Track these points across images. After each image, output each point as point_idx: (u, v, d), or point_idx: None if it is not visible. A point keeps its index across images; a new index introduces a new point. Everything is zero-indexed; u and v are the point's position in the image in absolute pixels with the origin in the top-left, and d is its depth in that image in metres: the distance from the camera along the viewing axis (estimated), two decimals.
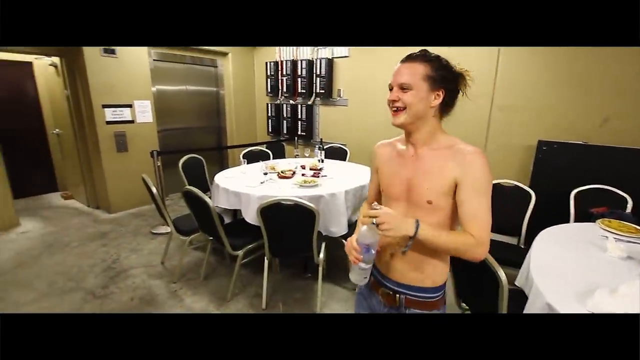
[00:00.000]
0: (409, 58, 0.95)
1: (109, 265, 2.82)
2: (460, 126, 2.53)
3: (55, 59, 3.84)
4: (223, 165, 5.39)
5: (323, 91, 4.44)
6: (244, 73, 5.28)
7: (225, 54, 5.02)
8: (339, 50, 4.32)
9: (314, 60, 4.47)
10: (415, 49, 0.96)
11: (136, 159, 4.04)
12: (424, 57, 0.95)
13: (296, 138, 4.88)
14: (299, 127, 4.81)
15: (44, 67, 4.20)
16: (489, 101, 3.31)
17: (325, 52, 4.44)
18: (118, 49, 3.73)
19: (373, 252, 0.97)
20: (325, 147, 3.72)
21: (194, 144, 4.92)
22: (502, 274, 1.22)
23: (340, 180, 2.71)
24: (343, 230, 2.38)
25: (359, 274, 1.01)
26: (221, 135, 5.39)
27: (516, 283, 1.53)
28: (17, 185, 3.74)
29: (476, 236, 0.89)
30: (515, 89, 3.17)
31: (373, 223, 0.92)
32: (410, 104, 0.94)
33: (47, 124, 4.66)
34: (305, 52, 4.62)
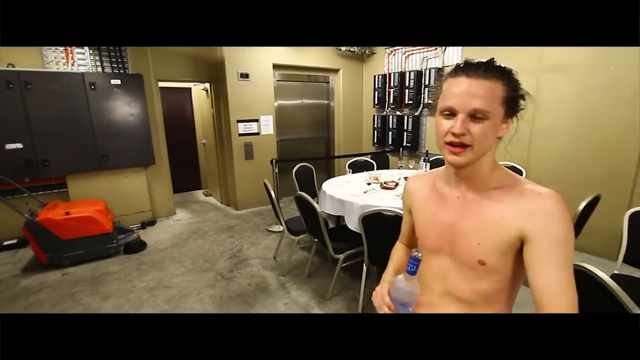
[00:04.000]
0: (482, 70, 0.67)
1: (234, 254, 3.38)
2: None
3: (207, 85, 4.82)
4: (330, 173, 5.76)
5: (431, 102, 4.33)
6: (352, 86, 5.56)
7: (336, 70, 5.39)
8: (451, 58, 4.16)
9: (423, 71, 4.41)
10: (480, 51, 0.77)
11: (259, 165, 4.70)
12: (501, 70, 0.69)
13: (401, 149, 4.87)
14: (405, 138, 4.78)
15: (199, 91, 5.32)
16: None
17: (435, 61, 4.33)
18: (251, 73, 4.45)
19: (411, 310, 0.75)
20: (430, 158, 3.63)
21: (306, 153, 5.41)
22: None
23: None
24: None
25: None
26: (329, 145, 5.77)
27: None
28: (175, 183, 4.82)
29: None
30: None
31: (411, 270, 0.72)
32: (482, 140, 0.68)
33: (197, 136, 5.86)
34: (414, 64, 4.60)
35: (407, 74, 4.56)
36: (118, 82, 3.75)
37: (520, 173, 3.28)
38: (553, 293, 0.64)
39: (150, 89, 4.10)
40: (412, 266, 0.73)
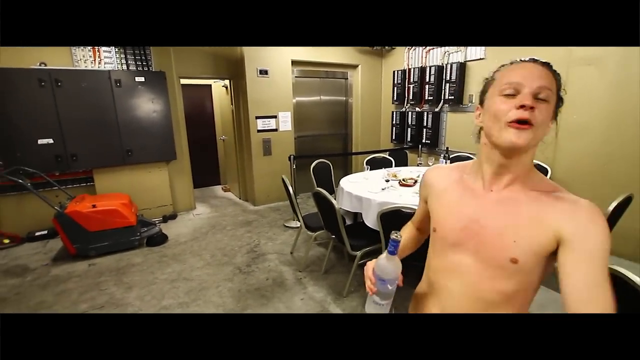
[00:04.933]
0: (539, 62, 0.69)
1: (252, 248, 3.43)
2: None
3: (226, 82, 4.89)
4: (347, 170, 5.74)
5: (452, 97, 4.23)
6: (371, 82, 5.50)
7: (355, 66, 5.35)
8: (473, 53, 4.04)
9: (444, 66, 4.31)
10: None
11: (277, 161, 4.74)
12: (553, 69, 0.70)
13: (420, 146, 4.79)
14: (424, 135, 4.70)
15: (219, 88, 5.40)
16: None
17: (457, 56, 4.22)
18: (270, 70, 4.48)
19: (390, 287, 0.79)
20: (451, 156, 3.55)
21: (323, 149, 5.41)
22: None
23: None
24: None
25: (374, 309, 0.82)
26: (347, 142, 5.75)
27: None
28: (195, 178, 4.92)
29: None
30: None
31: (391, 250, 0.76)
32: (542, 122, 0.66)
33: (217, 132, 5.96)
34: (435, 58, 4.50)
35: (428, 69, 4.47)
36: (142, 79, 3.86)
37: (545, 171, 3.16)
38: (588, 296, 0.61)
39: (173, 86, 4.19)
40: (391, 247, 0.76)
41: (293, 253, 3.29)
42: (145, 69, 3.99)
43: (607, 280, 0.62)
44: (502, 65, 0.73)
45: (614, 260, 2.86)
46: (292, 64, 4.67)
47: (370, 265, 0.83)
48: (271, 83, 4.54)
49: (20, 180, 3.00)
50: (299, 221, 2.98)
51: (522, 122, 0.65)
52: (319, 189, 2.44)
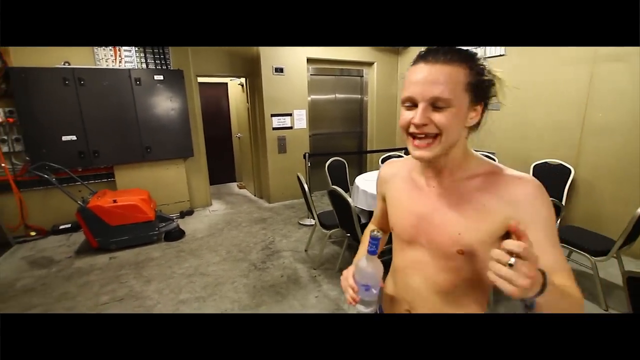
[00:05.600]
0: (442, 55, 0.64)
1: (266, 245, 3.46)
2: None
3: (242, 80, 4.93)
4: (362, 168, 5.71)
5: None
6: (387, 80, 5.44)
7: (371, 64, 5.30)
8: (493, 49, 3.94)
9: None
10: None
11: (292, 159, 4.75)
12: (464, 55, 0.65)
13: None
14: None
15: (235, 86, 5.45)
16: None
17: (476, 51, 4.12)
18: (285, 68, 4.48)
19: (375, 291, 0.75)
20: None
21: (338, 147, 5.39)
22: None
23: None
24: None
25: None
26: (362, 140, 5.71)
27: None
28: (211, 175, 4.99)
29: (579, 296, 0.64)
30: None
31: (372, 250, 0.72)
32: (448, 129, 0.64)
33: (233, 129, 6.03)
34: None
35: None
36: (161, 77, 3.93)
37: (569, 171, 3.06)
38: (555, 272, 0.62)
39: (190, 84, 4.26)
40: (372, 246, 0.72)
41: (307, 251, 3.30)
42: (164, 67, 4.07)
43: (562, 253, 0.65)
44: (411, 64, 0.70)
45: (633, 265, 2.75)
46: (307, 62, 4.67)
47: (348, 274, 0.79)
48: (286, 81, 4.55)
49: (46, 176, 3.11)
50: (314, 219, 2.99)
51: (420, 138, 0.67)
52: (334, 186, 2.43)
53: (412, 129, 0.67)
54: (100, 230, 3.23)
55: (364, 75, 5.40)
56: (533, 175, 3.28)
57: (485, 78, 0.67)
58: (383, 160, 3.98)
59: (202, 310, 2.36)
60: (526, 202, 0.65)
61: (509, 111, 3.83)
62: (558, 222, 2.21)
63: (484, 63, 0.68)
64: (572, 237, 2.40)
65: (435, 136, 0.65)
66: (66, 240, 3.67)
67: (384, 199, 0.92)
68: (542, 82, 3.43)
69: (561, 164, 3.13)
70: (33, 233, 3.72)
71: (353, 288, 0.76)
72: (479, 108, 0.68)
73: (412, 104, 0.66)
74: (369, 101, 5.51)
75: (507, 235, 0.66)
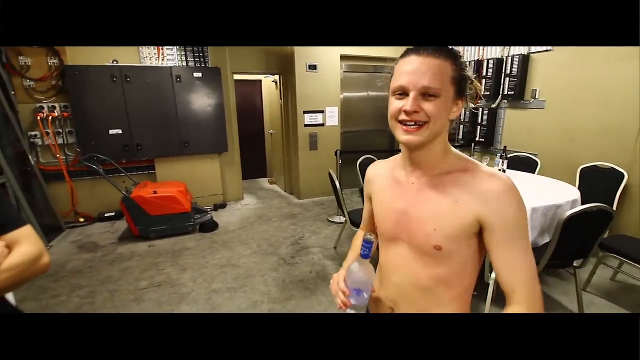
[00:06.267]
0: (432, 50, 0.68)
1: (296, 241, 3.50)
2: None
3: (276, 77, 5.00)
4: None
5: (512, 92, 3.93)
6: None
7: None
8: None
9: (504, 59, 4.01)
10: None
11: (323, 156, 4.77)
12: (449, 51, 0.69)
13: (473, 145, 4.52)
14: (478, 133, 4.43)
15: (269, 83, 5.54)
16: None
17: (519, 48, 3.91)
18: (319, 65, 4.50)
19: (366, 296, 0.75)
20: (509, 155, 3.31)
21: (370, 145, 5.34)
22: None
23: (527, 195, 2.38)
24: None
25: None
26: (393, 138, 5.59)
27: None
28: (244, 170, 5.12)
29: (531, 308, 0.66)
30: None
31: (365, 254, 0.73)
32: (437, 118, 0.68)
33: (265, 126, 6.14)
34: (494, 51, 4.21)
35: (485, 62, 4.19)
36: (200, 75, 4.09)
37: (622, 176, 2.82)
38: (512, 274, 0.67)
39: (227, 81, 4.39)
40: (365, 249, 0.73)
41: (337, 248, 3.30)
42: (203, 65, 4.22)
43: (526, 254, 0.67)
44: (401, 56, 0.74)
45: None
46: (341, 59, 4.65)
47: (339, 278, 0.80)
48: (320, 78, 4.56)
49: (95, 167, 3.34)
50: (344, 216, 2.98)
51: (410, 125, 0.69)
52: None
53: (402, 117, 0.70)
54: (141, 219, 3.42)
55: None
56: (580, 179, 3.07)
57: (466, 75, 0.71)
58: None
59: (234, 301, 2.44)
60: (493, 200, 0.67)
61: (554, 111, 3.60)
62: (607, 231, 2.04)
63: (464, 61, 0.72)
64: (623, 247, 2.21)
65: (424, 124, 0.69)
66: (110, 227, 3.92)
67: (370, 200, 0.94)
68: (591, 80, 3.18)
69: (613, 168, 2.89)
70: (82, 219, 4.02)
71: (344, 292, 0.76)
72: (460, 103, 0.72)
73: (404, 92, 0.70)
74: None
75: (481, 233, 0.70)
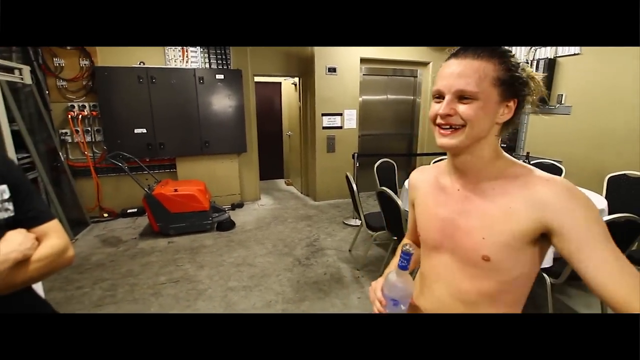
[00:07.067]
0: (472, 52, 0.66)
1: (311, 242, 3.51)
2: None
3: (296, 79, 5.05)
4: (411, 171, 5.54)
5: (537, 97, 3.82)
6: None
7: (426, 64, 5.13)
8: (566, 48, 3.59)
9: (529, 62, 3.90)
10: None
11: (340, 159, 4.77)
12: (494, 51, 0.66)
13: None
14: (500, 139, 4.32)
15: (288, 85, 5.60)
16: None
17: (545, 51, 3.80)
18: (338, 67, 4.51)
19: (403, 307, 0.72)
20: (532, 162, 3.22)
21: (387, 148, 5.30)
22: None
23: None
24: None
25: None
26: (412, 142, 5.55)
27: None
28: (261, 171, 5.19)
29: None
30: None
31: (402, 265, 0.70)
32: (473, 121, 0.65)
33: (284, 127, 6.20)
34: (519, 54, 4.10)
35: None
36: (221, 76, 4.18)
37: (560, 171, 2.68)
38: (610, 275, 0.57)
39: (247, 83, 4.47)
40: (403, 260, 0.70)
41: (352, 251, 3.29)
42: (225, 67, 4.31)
43: (617, 251, 0.58)
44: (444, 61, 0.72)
45: None
46: (360, 62, 4.65)
47: (376, 286, 0.78)
48: (339, 81, 4.57)
49: (120, 164, 3.46)
50: (360, 219, 2.97)
51: (445, 128, 0.68)
52: (383, 188, 2.40)
53: (438, 120, 0.69)
54: (162, 216, 3.52)
55: (417, 75, 5.24)
56: (607, 188, 2.95)
57: (517, 75, 0.66)
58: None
59: (249, 299, 2.47)
60: (554, 202, 0.61)
61: (581, 117, 3.47)
62: (636, 242, 1.95)
63: (517, 60, 0.67)
64: None
65: (460, 127, 0.67)
66: (132, 223, 4.05)
67: (414, 206, 0.91)
68: (620, 86, 3.05)
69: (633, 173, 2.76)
70: (106, 215, 4.17)
71: (381, 302, 0.74)
72: (512, 105, 0.67)
73: (441, 96, 0.69)
74: (422, 102, 5.34)
75: (542, 237, 0.64)
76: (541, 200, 0.62)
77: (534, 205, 0.63)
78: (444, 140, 0.69)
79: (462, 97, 0.65)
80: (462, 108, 0.65)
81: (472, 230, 0.70)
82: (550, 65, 3.70)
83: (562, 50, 3.64)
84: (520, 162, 0.72)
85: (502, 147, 2.75)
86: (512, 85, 0.66)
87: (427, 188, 0.84)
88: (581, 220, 0.59)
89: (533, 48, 3.91)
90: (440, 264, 0.78)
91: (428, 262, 0.83)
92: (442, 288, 0.78)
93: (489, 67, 0.64)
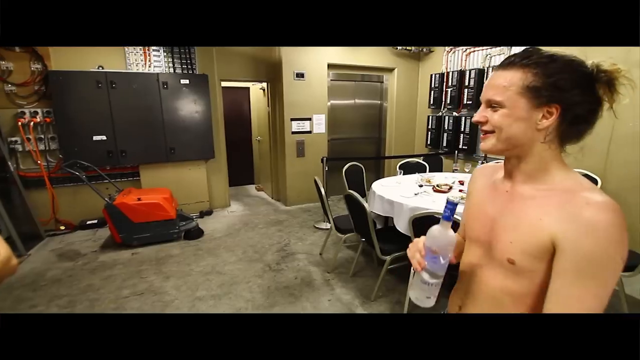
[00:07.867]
0: (507, 61, 0.70)
1: (282, 247, 3.50)
2: None
3: (264, 84, 5.04)
4: (380, 174, 5.68)
5: None
6: (407, 86, 5.42)
7: (391, 70, 5.30)
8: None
9: (486, 69, 4.15)
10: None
11: (309, 163, 4.80)
12: (524, 58, 0.67)
13: (456, 152, 4.64)
14: (461, 140, 4.55)
15: (256, 90, 5.57)
16: None
17: (499, 59, 4.04)
18: (306, 73, 4.56)
19: (443, 261, 0.73)
20: (489, 162, 3.41)
21: (356, 152, 5.40)
22: None
23: None
24: None
25: (420, 289, 0.75)
26: (380, 146, 5.69)
27: None
28: (230, 177, 5.10)
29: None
30: None
31: (446, 215, 0.71)
32: (501, 127, 0.69)
33: (253, 133, 6.15)
34: (475, 61, 4.35)
35: (468, 72, 4.33)
36: (187, 81, 4.09)
37: (595, 181, 2.94)
38: (556, 307, 0.62)
39: (214, 88, 4.40)
40: (447, 210, 0.72)
41: (322, 254, 3.32)
42: (190, 71, 4.22)
43: (588, 299, 0.59)
44: None
45: None
46: (328, 67, 4.73)
47: (418, 240, 0.79)
48: (307, 86, 4.62)
49: (77, 173, 3.28)
50: (329, 222, 3.01)
51: (485, 132, 0.74)
52: (350, 191, 2.45)
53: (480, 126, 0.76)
54: (125, 227, 3.37)
55: (384, 81, 5.40)
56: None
57: (553, 80, 0.64)
58: (401, 167, 3.95)
59: (217, 308, 2.42)
60: (578, 223, 0.59)
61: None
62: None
63: (562, 63, 0.65)
64: None
65: (491, 132, 0.72)
66: (92, 235, 3.84)
67: (469, 197, 0.94)
68: None
69: (586, 174, 3.01)
70: (62, 227, 3.92)
71: (421, 252, 0.75)
72: (554, 111, 0.66)
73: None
74: (389, 107, 5.50)
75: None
76: (569, 218, 0.61)
77: (560, 222, 0.62)
78: (481, 143, 0.76)
79: (492, 105, 0.71)
80: (492, 115, 0.70)
81: (504, 232, 0.72)
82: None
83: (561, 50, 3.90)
84: (580, 176, 0.69)
85: (463, 148, 2.85)
86: (547, 90, 0.65)
87: (483, 183, 0.87)
88: (583, 253, 0.59)
89: (489, 55, 4.16)
90: (476, 255, 0.81)
91: (467, 251, 0.87)
92: (472, 278, 0.82)
93: (516, 76, 0.67)
